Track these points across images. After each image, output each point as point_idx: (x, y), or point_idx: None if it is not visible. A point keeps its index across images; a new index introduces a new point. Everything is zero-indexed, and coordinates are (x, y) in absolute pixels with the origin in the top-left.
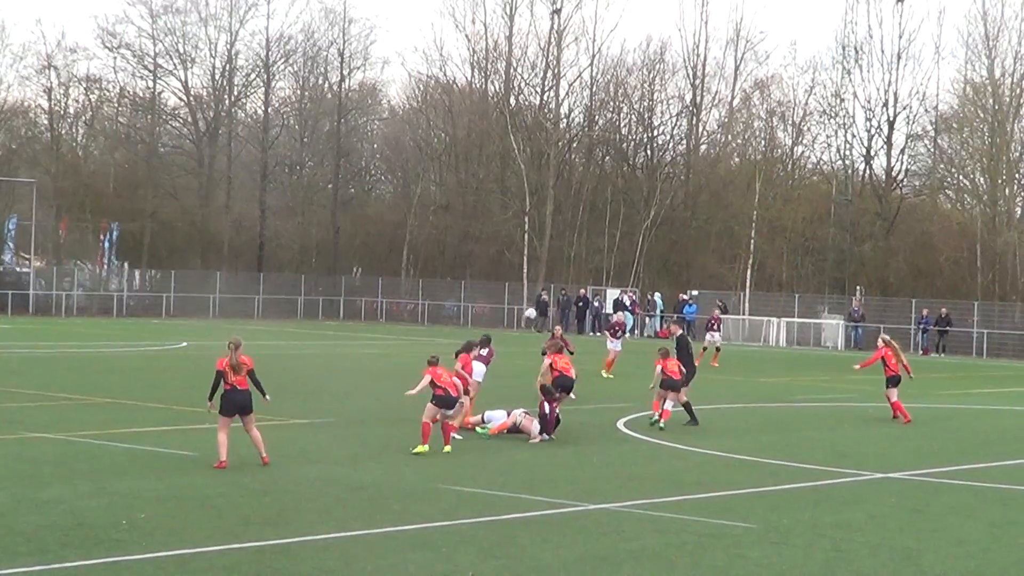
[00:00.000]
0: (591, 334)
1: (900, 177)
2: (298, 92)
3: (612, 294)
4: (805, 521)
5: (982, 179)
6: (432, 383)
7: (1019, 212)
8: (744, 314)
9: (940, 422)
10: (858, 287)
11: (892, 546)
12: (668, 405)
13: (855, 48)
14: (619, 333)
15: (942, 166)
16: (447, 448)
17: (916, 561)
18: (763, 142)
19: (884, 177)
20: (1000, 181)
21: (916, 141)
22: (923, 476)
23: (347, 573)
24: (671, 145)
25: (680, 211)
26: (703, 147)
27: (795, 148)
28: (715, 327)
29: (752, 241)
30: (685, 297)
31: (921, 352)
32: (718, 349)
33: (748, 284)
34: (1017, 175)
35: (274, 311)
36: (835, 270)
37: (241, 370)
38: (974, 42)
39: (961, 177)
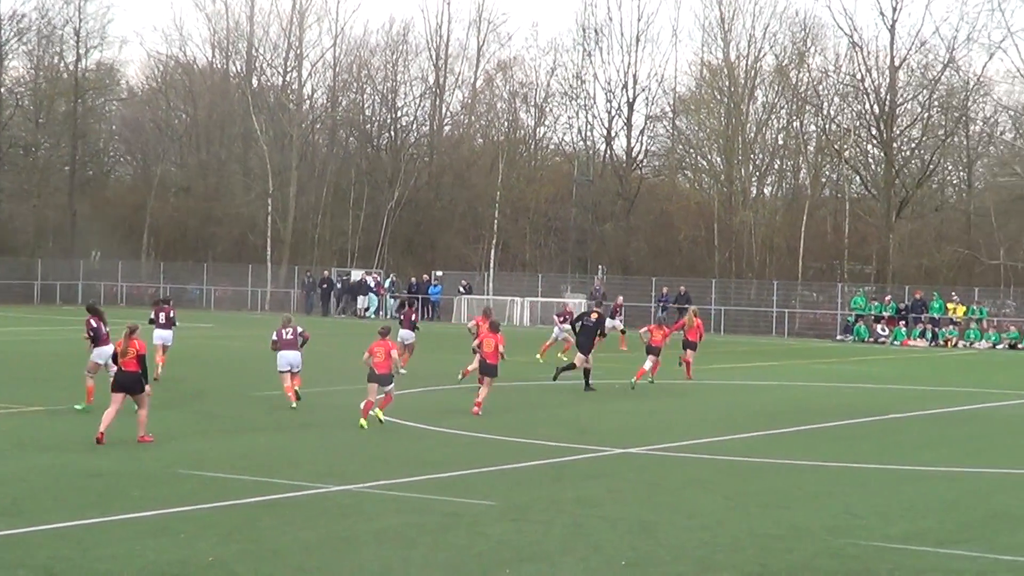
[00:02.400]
0: (336, 316)
1: (640, 158)
2: (32, 72)
3: (356, 275)
4: (545, 497)
5: (718, 159)
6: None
7: (754, 191)
8: (488, 294)
9: (679, 397)
10: (600, 266)
11: (630, 519)
12: (647, 365)
13: (595, 30)
14: (565, 320)
15: (680, 147)
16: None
17: (652, 533)
18: (506, 123)
19: (624, 158)
20: (736, 161)
21: (655, 122)
22: (662, 451)
23: (83, 561)
24: (415, 126)
25: (424, 192)
26: (447, 128)
27: (538, 129)
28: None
29: (496, 221)
30: (428, 278)
31: None
32: (623, 331)
33: (492, 264)
34: (752, 155)
35: (8, 296)
36: (577, 250)
37: (128, 354)
38: (710, 25)
39: (699, 157)
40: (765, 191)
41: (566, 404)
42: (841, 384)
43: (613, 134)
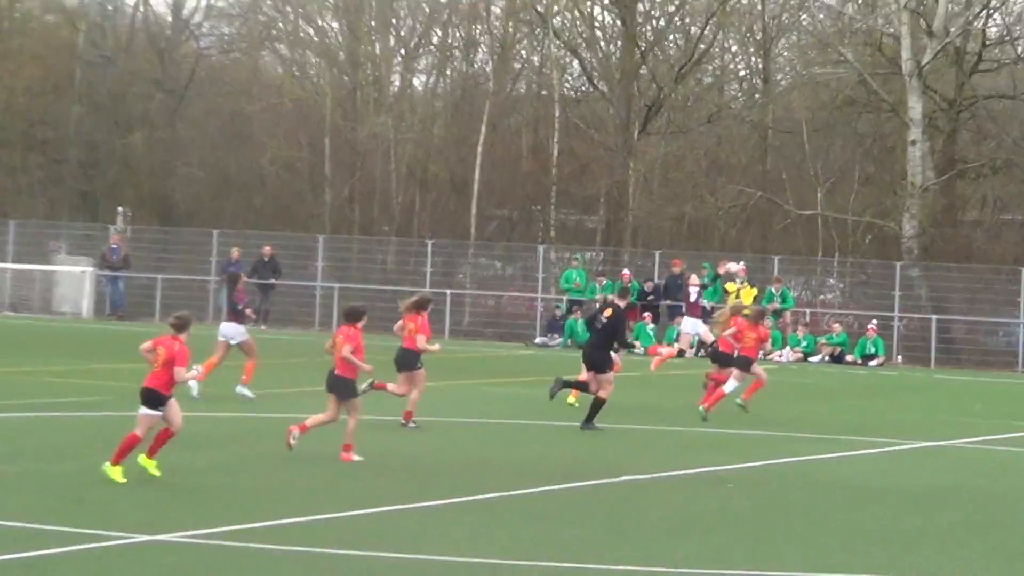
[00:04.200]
0: None
1: (196, 20)
2: None
3: None
4: None
5: (334, 25)
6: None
7: (396, 83)
8: None
9: None
10: (120, 209)
11: None
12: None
13: None
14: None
15: (269, 2)
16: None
17: None
18: None
19: (171, 19)
20: (366, 31)
21: None
22: None
23: None
24: None
25: None
26: None
27: None
28: None
29: None
30: None
31: None
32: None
33: None
34: (396, 21)
35: None
36: (81, 177)
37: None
38: None
39: (301, 21)
40: (416, 83)
41: None
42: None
43: None
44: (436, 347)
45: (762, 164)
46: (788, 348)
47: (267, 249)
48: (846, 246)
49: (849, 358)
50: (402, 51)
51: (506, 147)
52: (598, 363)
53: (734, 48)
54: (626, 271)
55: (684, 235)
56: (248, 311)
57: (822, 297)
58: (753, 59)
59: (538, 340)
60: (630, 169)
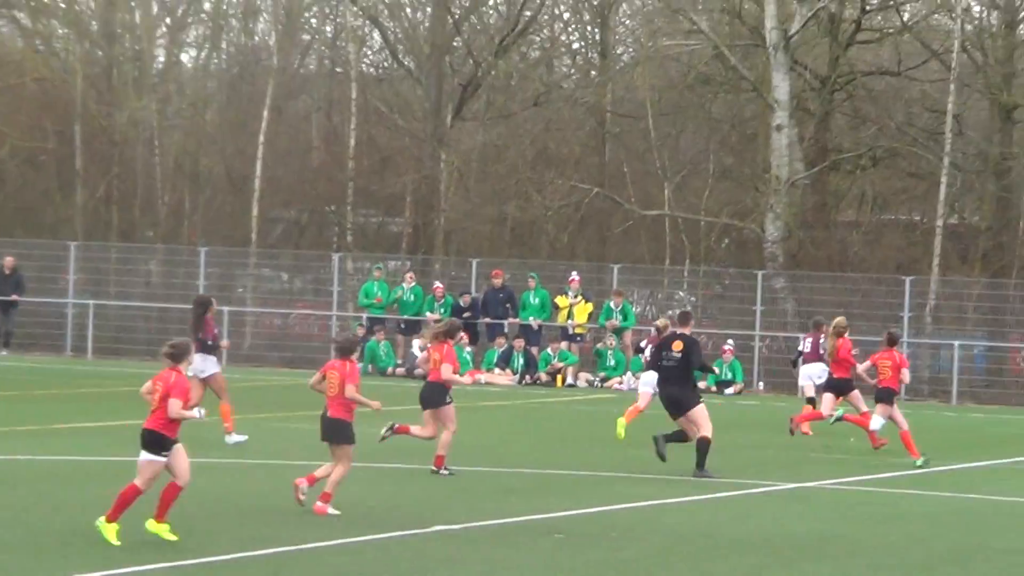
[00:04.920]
0: None
1: None
2: None
3: None
4: None
5: None
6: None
7: (160, 58)
8: None
9: None
10: None
11: None
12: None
13: None
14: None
15: None
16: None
17: None
18: None
19: None
20: None
21: None
22: None
23: None
24: None
25: None
26: None
27: None
28: None
29: None
30: None
31: None
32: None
33: None
34: None
35: None
36: None
37: None
38: None
39: None
40: (184, 58)
41: None
42: None
43: None
44: (466, 379)
45: (599, 155)
46: (630, 374)
47: (8, 260)
48: (699, 252)
49: (702, 385)
50: (167, 20)
51: (293, 136)
52: (682, 402)
53: (566, 16)
54: (438, 283)
55: (506, 240)
56: (223, 343)
57: (670, 313)
58: (589, 29)
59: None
60: (442, 162)
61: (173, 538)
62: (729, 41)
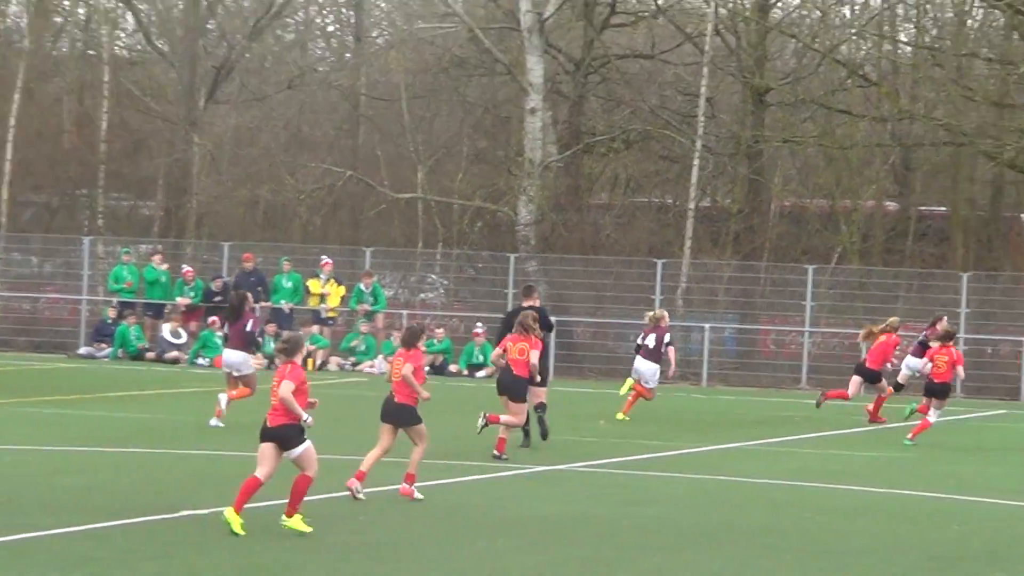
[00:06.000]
0: None
1: None
2: None
3: None
4: None
5: None
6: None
7: None
8: None
9: None
10: None
11: None
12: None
13: None
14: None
15: None
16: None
17: None
18: None
19: None
20: None
21: None
22: None
23: None
24: None
25: None
26: None
27: None
28: None
29: None
30: None
31: None
32: None
33: None
34: None
35: None
36: None
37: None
38: None
39: None
40: None
41: None
42: None
43: None
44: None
45: (353, 138)
46: (381, 357)
47: None
48: (452, 235)
49: (453, 368)
50: None
51: (44, 119)
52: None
53: None
54: (187, 267)
55: (259, 223)
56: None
57: (423, 296)
58: (344, 12)
59: (83, 350)
60: (194, 144)
61: (308, 529)
62: (484, 24)
